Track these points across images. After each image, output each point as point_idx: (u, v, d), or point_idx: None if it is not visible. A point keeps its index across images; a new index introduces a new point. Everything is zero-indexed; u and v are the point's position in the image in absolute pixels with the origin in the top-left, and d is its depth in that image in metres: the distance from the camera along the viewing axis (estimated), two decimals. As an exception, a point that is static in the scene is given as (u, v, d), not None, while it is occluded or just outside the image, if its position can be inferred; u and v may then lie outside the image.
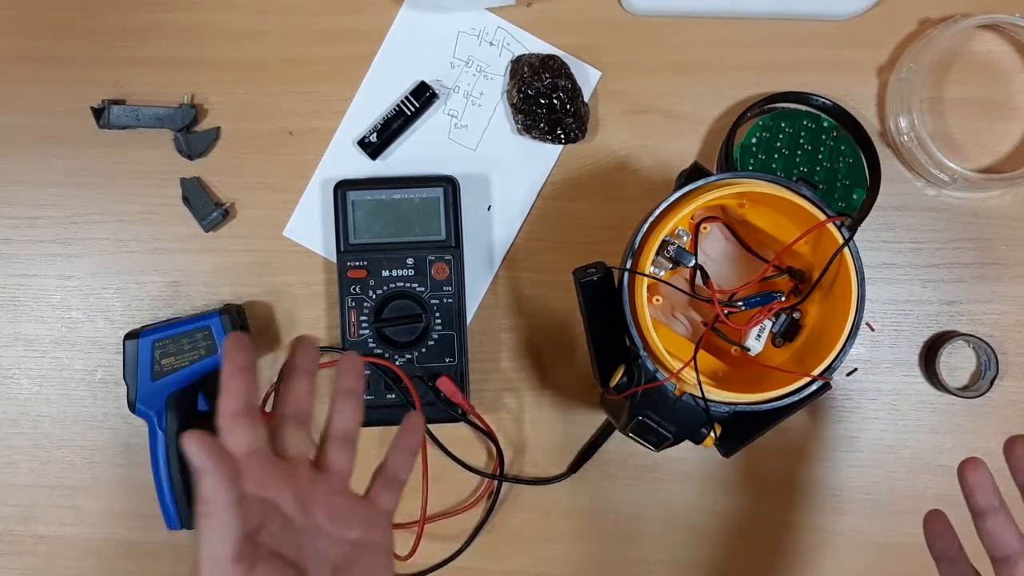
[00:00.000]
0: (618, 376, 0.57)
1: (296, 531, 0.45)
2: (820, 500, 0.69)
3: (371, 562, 0.47)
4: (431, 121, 0.70)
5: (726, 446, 0.57)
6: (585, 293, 0.58)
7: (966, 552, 0.51)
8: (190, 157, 0.70)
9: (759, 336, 0.57)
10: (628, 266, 0.55)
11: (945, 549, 0.51)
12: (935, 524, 0.52)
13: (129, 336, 0.67)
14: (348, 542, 0.46)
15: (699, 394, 0.53)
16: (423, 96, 0.69)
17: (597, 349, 0.59)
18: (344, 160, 0.71)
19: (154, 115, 0.70)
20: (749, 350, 0.58)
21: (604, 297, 0.58)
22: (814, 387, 0.54)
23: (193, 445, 0.41)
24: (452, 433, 0.69)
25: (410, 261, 0.68)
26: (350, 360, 0.51)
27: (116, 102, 0.70)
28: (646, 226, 0.56)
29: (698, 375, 0.53)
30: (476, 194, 0.70)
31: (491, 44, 0.70)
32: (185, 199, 0.70)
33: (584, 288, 0.58)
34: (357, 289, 0.68)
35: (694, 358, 0.53)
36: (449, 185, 0.68)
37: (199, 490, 0.42)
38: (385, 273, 0.67)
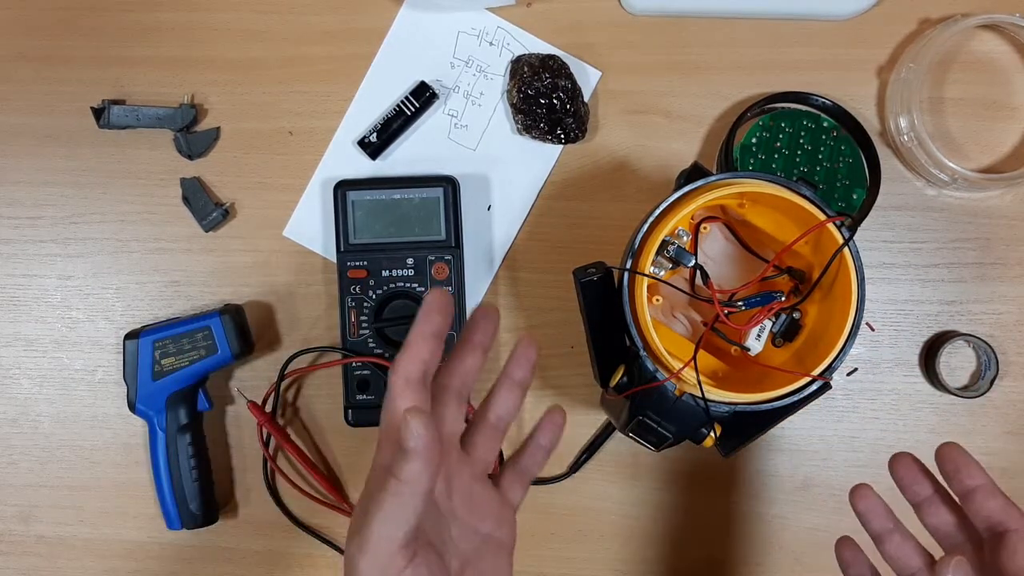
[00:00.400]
0: (618, 376, 0.56)
1: (440, 515, 0.44)
2: (820, 500, 0.69)
3: (496, 560, 0.46)
4: (431, 121, 0.70)
5: (726, 446, 0.57)
6: (585, 293, 0.58)
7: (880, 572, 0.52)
8: (190, 157, 0.70)
9: (759, 336, 0.57)
10: (628, 266, 0.55)
11: (859, 575, 0.52)
12: (845, 552, 0.53)
13: (129, 336, 0.67)
14: (479, 535, 0.45)
15: (699, 394, 0.53)
16: (423, 96, 0.69)
17: (597, 349, 0.59)
18: (344, 160, 0.71)
19: (154, 115, 0.70)
20: (749, 350, 0.58)
21: (604, 297, 0.57)
22: (814, 387, 0.54)
23: (418, 426, 0.39)
24: (452, 433, 0.69)
25: (410, 261, 0.68)
26: (527, 348, 0.48)
27: (116, 102, 0.70)
28: (646, 226, 0.56)
29: (698, 375, 0.53)
30: (476, 194, 0.70)
31: (491, 44, 0.70)
32: (185, 199, 0.70)
33: (584, 288, 0.58)
34: (357, 289, 0.68)
35: (694, 358, 0.53)
36: (449, 185, 0.68)
37: (397, 467, 0.40)
38: (385, 273, 0.67)
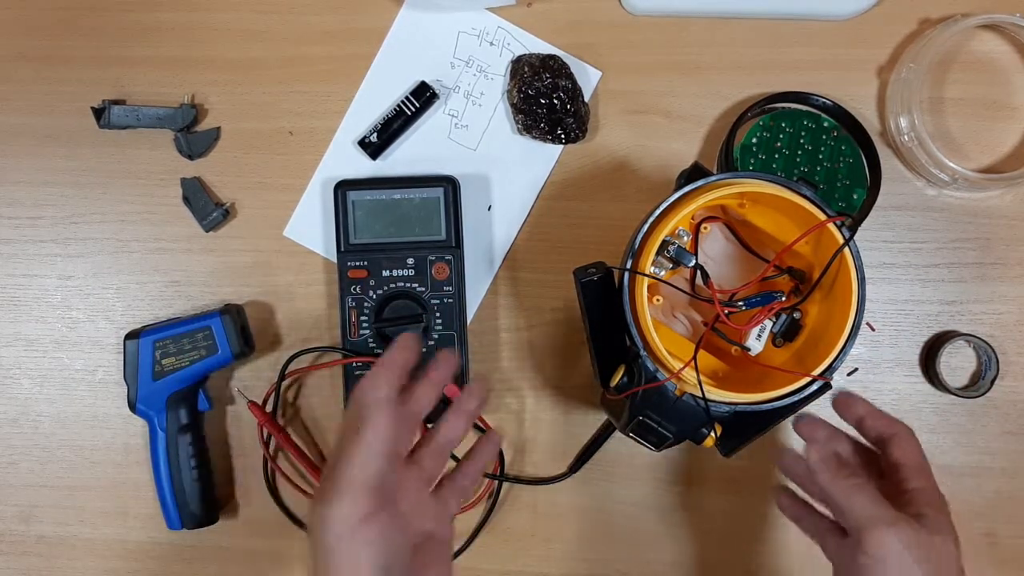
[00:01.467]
0: (618, 376, 0.57)
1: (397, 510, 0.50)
2: (820, 500, 0.69)
3: (438, 552, 0.53)
4: (431, 121, 0.70)
5: (726, 446, 0.57)
6: (585, 293, 0.58)
7: (814, 506, 0.57)
8: (190, 157, 0.70)
9: (759, 336, 0.57)
10: (628, 266, 0.55)
11: (798, 514, 0.58)
12: (783, 500, 0.59)
13: (129, 336, 0.67)
14: (423, 533, 0.51)
15: (699, 394, 0.53)
16: (423, 96, 0.69)
17: (597, 349, 0.59)
18: (344, 160, 0.71)
19: (154, 115, 0.70)
20: (749, 350, 0.58)
21: (604, 297, 0.58)
22: (814, 387, 0.54)
23: (379, 382, 0.49)
24: (452, 433, 0.69)
25: (410, 261, 0.67)
26: (480, 387, 0.56)
27: (116, 102, 0.70)
28: (646, 226, 0.56)
29: (698, 375, 0.53)
30: (476, 194, 0.70)
31: (491, 44, 0.70)
32: (185, 199, 0.70)
33: (584, 288, 0.58)
34: (357, 289, 0.68)
35: (694, 358, 0.53)
36: (449, 185, 0.68)
37: (364, 420, 0.48)
38: (385, 273, 0.67)
